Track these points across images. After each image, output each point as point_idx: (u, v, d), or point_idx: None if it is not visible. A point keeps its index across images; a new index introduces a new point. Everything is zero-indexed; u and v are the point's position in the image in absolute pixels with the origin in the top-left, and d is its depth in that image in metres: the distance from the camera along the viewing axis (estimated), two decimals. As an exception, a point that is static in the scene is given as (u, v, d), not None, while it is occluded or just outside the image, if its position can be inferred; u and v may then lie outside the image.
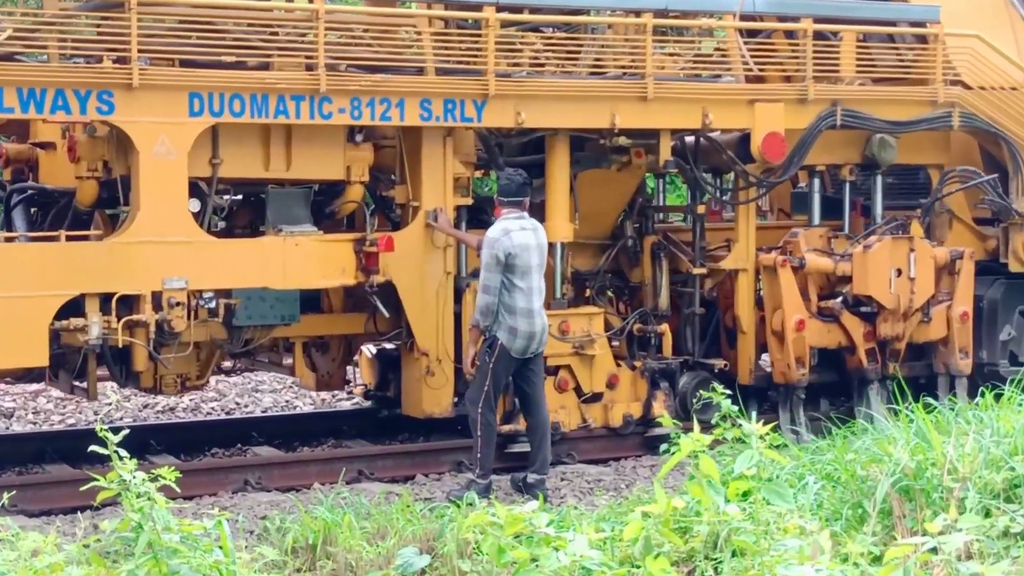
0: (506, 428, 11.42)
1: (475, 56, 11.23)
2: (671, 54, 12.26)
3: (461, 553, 7.18)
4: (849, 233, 12.89)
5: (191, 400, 14.15)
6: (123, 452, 6.12)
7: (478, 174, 12.67)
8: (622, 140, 11.80)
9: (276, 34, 10.62)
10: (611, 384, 12.05)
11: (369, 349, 12.68)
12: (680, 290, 12.84)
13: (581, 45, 11.81)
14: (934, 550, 5.40)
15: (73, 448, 11.07)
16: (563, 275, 11.99)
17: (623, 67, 11.82)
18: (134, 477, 6.05)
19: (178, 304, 10.22)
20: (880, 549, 6.22)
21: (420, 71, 11.06)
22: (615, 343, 12.46)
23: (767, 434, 6.47)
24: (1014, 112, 13.09)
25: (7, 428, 13.38)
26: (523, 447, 11.33)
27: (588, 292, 12.68)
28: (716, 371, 12.66)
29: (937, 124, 12.95)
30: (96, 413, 13.76)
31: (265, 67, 10.61)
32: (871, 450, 7.47)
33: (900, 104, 12.83)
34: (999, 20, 13.40)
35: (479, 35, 11.26)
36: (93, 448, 6.25)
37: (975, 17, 13.23)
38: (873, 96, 12.73)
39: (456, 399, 11.52)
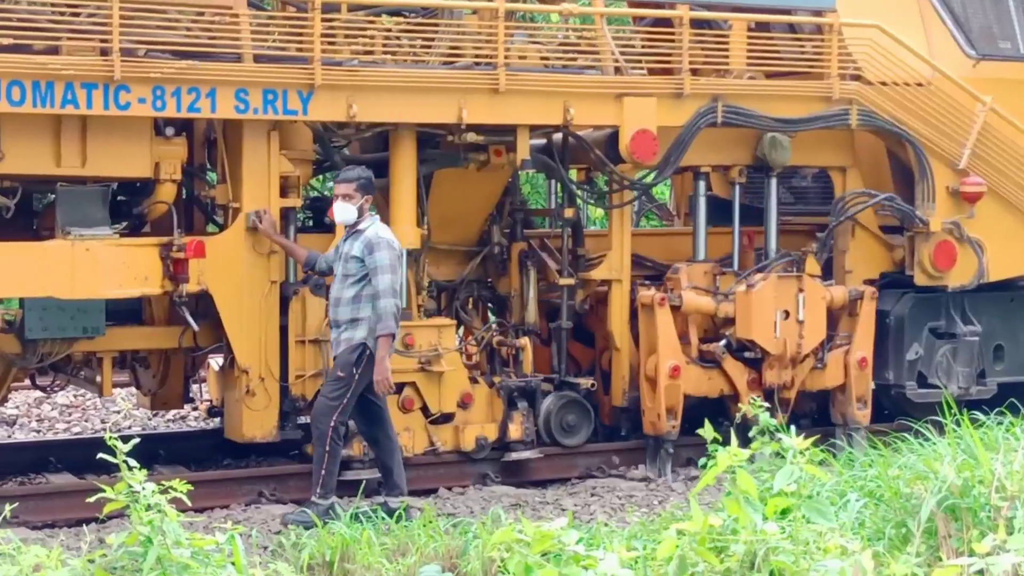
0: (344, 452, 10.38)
1: (300, 41, 10.13)
2: (533, 42, 11.13)
3: (486, 572, 7.06)
4: (737, 270, 11.74)
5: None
6: (132, 462, 6.01)
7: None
8: (471, 137, 10.68)
9: (64, 14, 9.50)
10: (464, 403, 10.96)
11: (216, 362, 11.59)
12: (551, 302, 11.74)
13: (424, 31, 10.69)
14: (981, 572, 5.28)
15: (78, 457, 10.93)
16: (409, 284, 10.87)
17: (475, 56, 10.71)
18: (143, 488, 5.93)
19: None
20: (925, 570, 6.02)
21: (238, 58, 9.97)
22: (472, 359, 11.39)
23: (807, 449, 6.14)
24: (920, 111, 11.94)
25: (9, 436, 13.05)
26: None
27: (444, 304, 11.58)
28: (584, 391, 11.54)
29: (833, 122, 11.80)
30: (103, 421, 13.35)
31: (55, 51, 9.52)
32: (916, 467, 7.19)
33: (791, 100, 11.69)
34: (907, 10, 12.24)
35: (304, 18, 10.16)
36: (102, 456, 6.11)
37: (879, 6, 12.06)
38: (759, 91, 11.60)
39: (282, 422, 10.44)
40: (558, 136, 11.40)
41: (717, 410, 11.60)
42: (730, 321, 11.48)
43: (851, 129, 11.94)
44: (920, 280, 12.17)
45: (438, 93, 10.45)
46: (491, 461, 11.13)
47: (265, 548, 8.74)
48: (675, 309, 11.36)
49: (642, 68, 11.57)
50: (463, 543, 7.69)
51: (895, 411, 12.25)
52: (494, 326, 11.56)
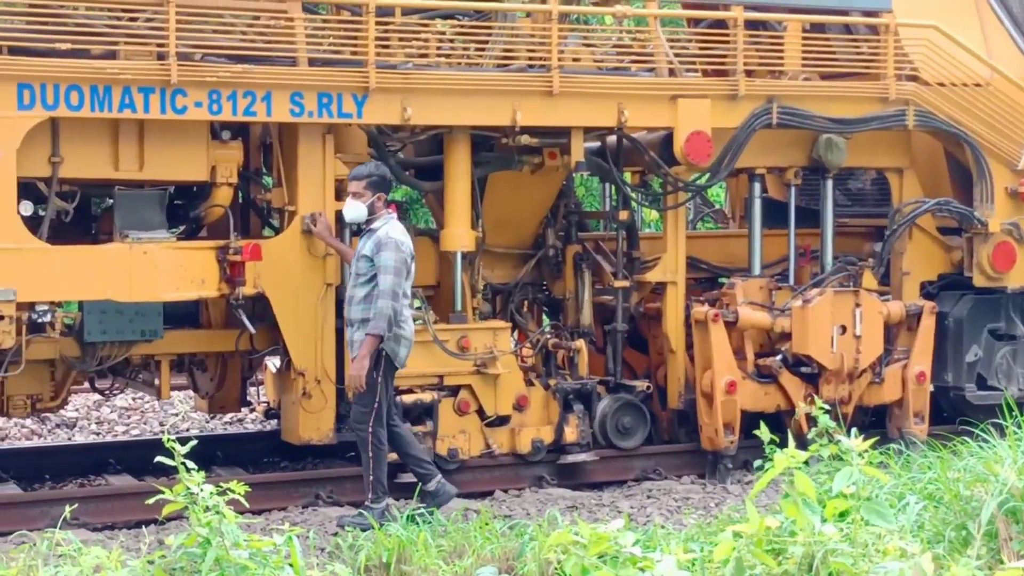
0: (393, 456, 10.38)
1: (354, 45, 10.17)
2: (587, 44, 11.13)
3: (542, 573, 7.04)
4: (795, 285, 11.67)
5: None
6: (190, 464, 6.06)
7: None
8: (525, 139, 10.68)
9: (120, 19, 9.58)
10: (519, 406, 10.95)
11: (273, 364, 11.64)
12: (606, 305, 11.72)
13: (478, 34, 10.70)
14: (1039, 575, 5.21)
15: (137, 459, 10.96)
16: (464, 287, 10.90)
17: (529, 59, 10.71)
18: (201, 490, 5.97)
19: (3, 318, 9.22)
20: (986, 573, 6.05)
21: (293, 62, 10.03)
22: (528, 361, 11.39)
23: (866, 451, 6.16)
24: (978, 111, 11.85)
25: (69, 438, 13.10)
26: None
27: (499, 307, 11.59)
28: (640, 394, 11.51)
29: (889, 123, 11.72)
30: (161, 424, 13.47)
31: (112, 56, 9.60)
32: (976, 469, 7.20)
33: (847, 101, 11.62)
34: (964, 10, 12.15)
35: (358, 22, 10.20)
36: (160, 459, 6.15)
37: (936, 6, 11.98)
38: (815, 92, 11.54)
39: (339, 424, 10.48)
40: (612, 138, 11.38)
41: (774, 426, 11.50)
42: (786, 336, 11.38)
43: (908, 130, 11.86)
44: (979, 281, 12.06)
45: (492, 96, 10.47)
46: (547, 464, 11.10)
47: (322, 550, 8.75)
48: (730, 324, 11.29)
49: (696, 70, 11.56)
50: (519, 545, 7.70)
51: (954, 414, 12.15)
52: (549, 329, 11.53)
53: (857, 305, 11.36)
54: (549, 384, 11.15)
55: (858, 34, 12.01)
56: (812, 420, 10.95)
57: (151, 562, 6.10)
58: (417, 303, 10.90)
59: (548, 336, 11.40)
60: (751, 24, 11.46)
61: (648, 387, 11.58)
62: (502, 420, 10.92)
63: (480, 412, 10.84)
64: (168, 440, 6.13)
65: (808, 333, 11.24)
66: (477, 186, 10.98)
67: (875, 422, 12.04)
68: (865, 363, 11.45)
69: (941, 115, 11.76)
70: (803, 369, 11.47)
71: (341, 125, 10.39)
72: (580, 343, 11.28)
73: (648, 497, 10.79)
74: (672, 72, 11.12)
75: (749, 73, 11.36)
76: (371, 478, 9.60)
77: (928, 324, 11.76)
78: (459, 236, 10.75)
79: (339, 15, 10.54)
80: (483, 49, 10.68)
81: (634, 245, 11.75)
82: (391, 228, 9.63)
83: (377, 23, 10.16)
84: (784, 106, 11.34)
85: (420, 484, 9.80)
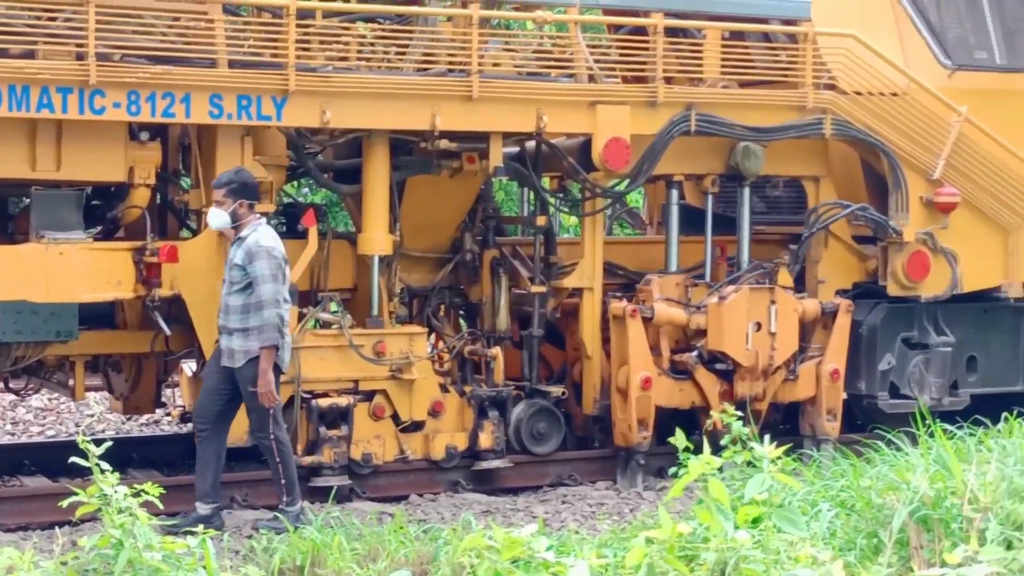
0: (308, 460, 10.38)
1: (274, 47, 10.13)
2: (508, 49, 11.14)
3: None
4: (711, 282, 11.76)
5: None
6: (105, 465, 6.07)
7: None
8: (444, 143, 10.68)
9: (40, 19, 9.49)
10: (434, 412, 10.95)
11: (190, 367, 11.57)
12: (523, 309, 11.75)
13: (399, 37, 10.69)
14: (951, 583, 5.24)
15: (52, 461, 10.89)
16: (380, 291, 10.88)
17: (449, 63, 10.71)
18: (116, 491, 5.96)
19: None
20: None
21: (213, 63, 9.97)
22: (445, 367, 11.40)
23: (779, 458, 6.21)
24: (895, 121, 11.97)
25: None
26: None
27: (416, 310, 11.58)
28: (555, 400, 11.54)
29: (806, 132, 11.82)
30: (77, 425, 13.32)
31: (31, 55, 9.51)
32: (888, 477, 7.20)
33: (764, 109, 11.69)
34: (882, 20, 12.26)
35: (279, 24, 10.16)
36: (74, 460, 6.18)
37: (855, 16, 12.09)
38: (733, 100, 11.61)
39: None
40: (531, 143, 11.41)
41: (689, 424, 11.61)
42: (702, 333, 11.48)
43: (825, 139, 11.96)
44: (893, 290, 12.18)
45: (411, 99, 10.46)
46: (463, 469, 11.12)
47: (236, 552, 8.71)
48: (647, 320, 11.37)
49: (617, 76, 11.60)
50: (434, 549, 7.69)
51: (867, 421, 12.26)
52: (466, 335, 11.53)
53: (772, 302, 11.44)
54: (464, 391, 11.15)
55: (777, 42, 12.10)
56: None
57: (64, 563, 6.08)
58: (333, 307, 10.89)
59: (465, 342, 11.40)
60: (671, 31, 11.51)
61: (563, 393, 11.61)
62: (417, 426, 10.92)
63: (395, 417, 10.82)
64: (83, 441, 6.12)
65: (723, 330, 11.33)
66: (395, 190, 10.97)
67: (789, 421, 12.17)
68: (780, 360, 11.55)
69: (858, 124, 11.87)
70: (718, 366, 11.54)
71: (260, 127, 10.34)
72: (496, 350, 11.29)
73: (563, 502, 10.84)
74: (592, 78, 11.15)
75: (669, 80, 11.41)
76: (283, 481, 9.57)
77: (843, 322, 11.87)
78: (376, 240, 10.74)
79: (260, 17, 10.49)
80: (404, 53, 10.67)
81: (551, 250, 11.78)
82: (260, 235, 9.46)
83: (297, 26, 10.13)
84: (702, 113, 11.40)
85: (281, 497, 9.66)
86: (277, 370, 9.49)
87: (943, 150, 12.06)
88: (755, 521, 6.08)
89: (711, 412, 10.82)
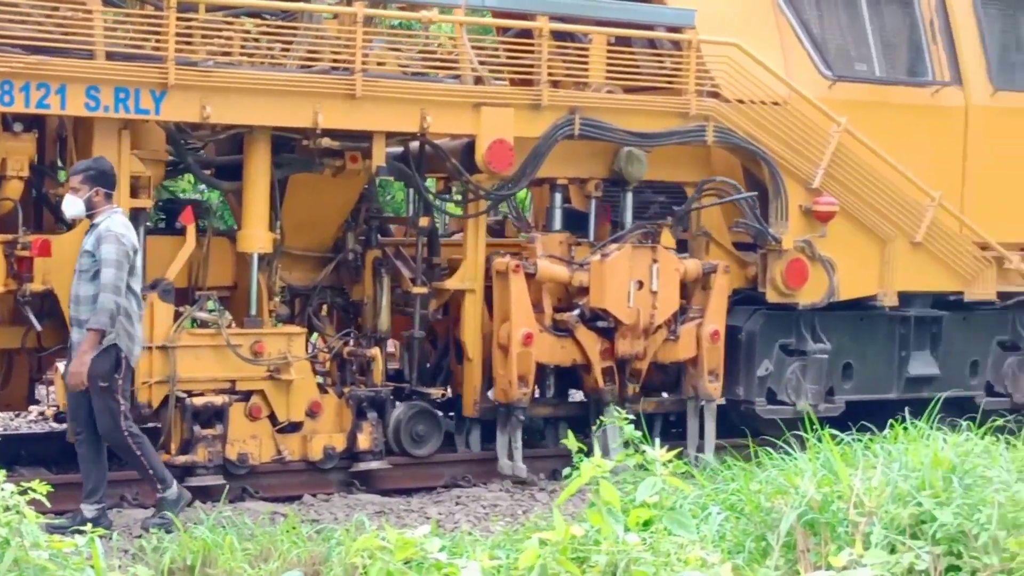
0: (182, 459, 10.23)
1: (155, 40, 9.98)
2: (393, 49, 11.07)
3: None
4: (594, 241, 11.77)
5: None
6: None
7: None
8: (326, 142, 10.59)
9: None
10: (312, 413, 10.84)
11: (63, 367, 11.34)
12: (405, 311, 11.69)
13: (284, 34, 10.58)
14: (835, 585, 5.23)
15: None
16: (261, 289, 10.76)
17: (334, 61, 10.62)
18: (2, 489, 5.82)
19: None
20: None
21: (91, 55, 9.79)
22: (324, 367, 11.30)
23: (671, 461, 6.23)
24: (775, 129, 12.06)
25: None
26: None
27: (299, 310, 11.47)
28: (436, 401, 11.50)
29: (689, 138, 11.87)
30: None
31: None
32: (777, 481, 7.19)
33: (648, 115, 11.73)
34: (765, 29, 12.35)
35: (159, 17, 10.01)
36: None
37: (739, 25, 12.16)
38: (617, 105, 11.63)
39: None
40: (415, 144, 11.34)
41: (571, 380, 11.82)
42: (584, 290, 11.46)
43: (708, 146, 12.01)
44: (772, 297, 12.27)
45: (293, 96, 10.36)
46: (341, 471, 11.03)
47: (126, 552, 8.64)
48: (530, 277, 11.34)
49: (505, 79, 11.59)
50: (326, 550, 7.65)
51: (746, 427, 12.34)
52: (346, 335, 11.43)
53: (654, 261, 11.46)
54: (343, 391, 11.06)
55: (663, 49, 12.13)
56: (608, 376, 11.28)
57: (-55, 563, 5.95)
58: (211, 305, 10.75)
59: (345, 342, 11.31)
60: (559, 35, 11.50)
61: (443, 395, 11.56)
62: (295, 426, 10.81)
63: (272, 418, 10.71)
64: None
65: (605, 287, 11.32)
66: (277, 187, 10.86)
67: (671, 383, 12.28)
68: (661, 319, 11.56)
69: (740, 132, 11.94)
70: (600, 324, 11.54)
71: (139, 121, 10.18)
72: (375, 351, 11.21)
73: (456, 504, 10.84)
74: (480, 80, 11.11)
75: (554, 84, 11.40)
76: (150, 472, 9.44)
77: (721, 283, 11.91)
78: (256, 237, 10.63)
79: (141, 9, 10.32)
80: (288, 49, 10.56)
81: (435, 251, 11.73)
82: (112, 222, 9.29)
83: (179, 19, 9.99)
84: (586, 118, 11.41)
85: (158, 492, 9.55)
86: (128, 365, 9.30)
87: (822, 160, 12.17)
88: (646, 524, 6.13)
89: (592, 373, 11.06)
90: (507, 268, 11.26)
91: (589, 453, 6.06)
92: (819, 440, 7.63)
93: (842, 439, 7.99)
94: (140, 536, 8.87)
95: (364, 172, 11.05)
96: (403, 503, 10.78)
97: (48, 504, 6.11)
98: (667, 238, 11.78)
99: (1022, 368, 13.43)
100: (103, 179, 9.41)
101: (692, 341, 11.86)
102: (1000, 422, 8.45)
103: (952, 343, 13.13)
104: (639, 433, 6.70)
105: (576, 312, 11.47)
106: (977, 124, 13.05)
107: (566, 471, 6.59)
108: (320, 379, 11.18)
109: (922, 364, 12.99)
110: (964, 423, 8.18)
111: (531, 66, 11.36)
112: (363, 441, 10.97)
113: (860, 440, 8.07)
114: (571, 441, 6.55)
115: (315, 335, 12.02)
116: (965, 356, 13.25)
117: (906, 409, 9.28)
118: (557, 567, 5.71)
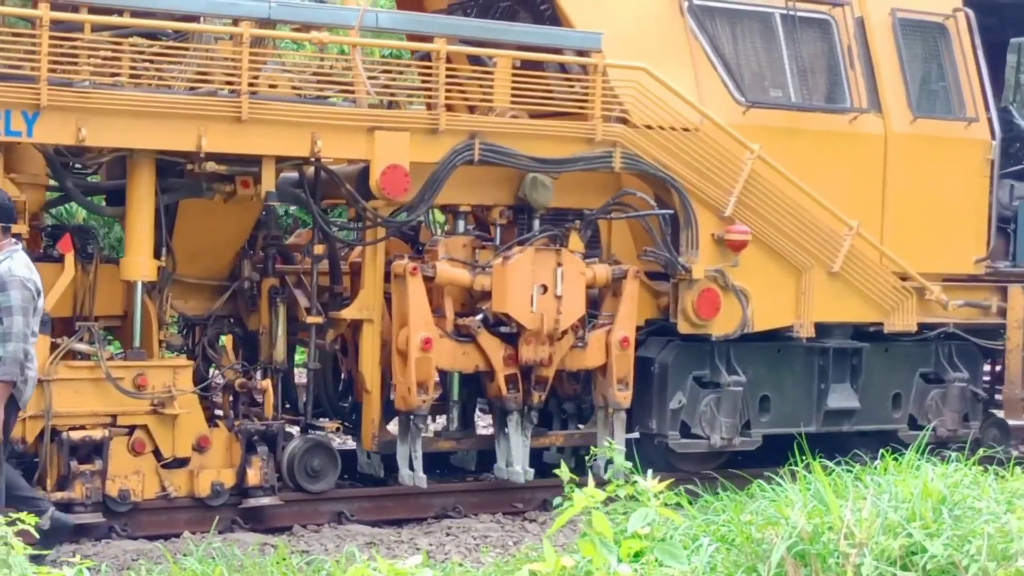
0: (59, 495, 9.83)
1: (29, 60, 9.62)
2: (285, 71, 10.73)
3: None
4: (499, 244, 11.42)
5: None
6: None
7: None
8: (212, 166, 10.23)
9: None
10: (200, 447, 10.46)
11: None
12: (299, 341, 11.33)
13: (173, 55, 10.22)
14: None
15: None
16: (145, 320, 10.38)
17: (223, 83, 10.26)
18: None
19: None
20: None
21: (-38, 75, 9.45)
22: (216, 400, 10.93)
23: (662, 492, 6.23)
24: (686, 156, 11.73)
25: None
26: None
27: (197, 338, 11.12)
28: (329, 435, 11.14)
29: (595, 164, 11.52)
30: None
31: None
32: (767, 512, 7.30)
33: (553, 140, 11.38)
34: (678, 54, 12.03)
35: (31, 35, 9.65)
36: None
37: (650, 49, 11.83)
38: (519, 130, 11.28)
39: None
40: (310, 169, 10.99)
41: (475, 387, 11.64)
42: (487, 295, 11.11)
43: (616, 172, 11.68)
44: (684, 328, 11.93)
45: (176, 119, 9.99)
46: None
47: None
48: (428, 280, 10.97)
49: (398, 102, 11.27)
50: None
51: (659, 461, 11.98)
52: (237, 367, 11.07)
53: (559, 264, 11.10)
54: (234, 425, 10.69)
55: (572, 73, 11.80)
56: (511, 383, 10.91)
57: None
58: (100, 335, 10.33)
59: (236, 374, 10.94)
60: (473, 59, 11.17)
61: (338, 428, 11.21)
62: (181, 462, 10.42)
63: (157, 453, 10.32)
64: None
65: (507, 291, 10.97)
66: (165, 213, 10.49)
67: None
68: (566, 324, 11.19)
69: (648, 158, 11.61)
70: (503, 329, 11.20)
71: (12, 143, 9.81)
72: (266, 383, 10.85)
73: (447, 535, 10.71)
74: (390, 104, 10.78)
75: (451, 108, 11.06)
76: (27, 499, 9.02)
77: (632, 288, 11.57)
78: (139, 264, 10.26)
79: (13, 28, 9.97)
80: (171, 69, 10.22)
81: (336, 280, 11.39)
82: (14, 263, 8.84)
83: (56, 38, 9.63)
84: (487, 143, 11.07)
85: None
86: (14, 404, 8.91)
87: (735, 187, 11.85)
88: (637, 555, 6.13)
89: (495, 380, 10.97)
90: (404, 271, 10.88)
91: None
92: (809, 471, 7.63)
93: (833, 470, 8.14)
94: (129, 567, 8.85)
95: (257, 198, 10.68)
96: (393, 534, 10.67)
97: (37, 535, 6.22)
98: (575, 242, 11.43)
99: (945, 401, 13.09)
100: (0, 213, 8.98)
101: (601, 348, 11.51)
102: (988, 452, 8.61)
103: (873, 375, 12.81)
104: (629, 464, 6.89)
105: (479, 317, 11.12)
106: (896, 152, 12.76)
107: (556, 500, 6.64)
108: (219, 411, 10.81)
109: (842, 397, 12.67)
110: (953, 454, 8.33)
111: (429, 90, 11.02)
112: (253, 476, 10.60)
113: (851, 471, 8.15)
114: (564, 472, 6.51)
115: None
116: (887, 389, 12.94)
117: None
118: (548, 598, 5.68)
